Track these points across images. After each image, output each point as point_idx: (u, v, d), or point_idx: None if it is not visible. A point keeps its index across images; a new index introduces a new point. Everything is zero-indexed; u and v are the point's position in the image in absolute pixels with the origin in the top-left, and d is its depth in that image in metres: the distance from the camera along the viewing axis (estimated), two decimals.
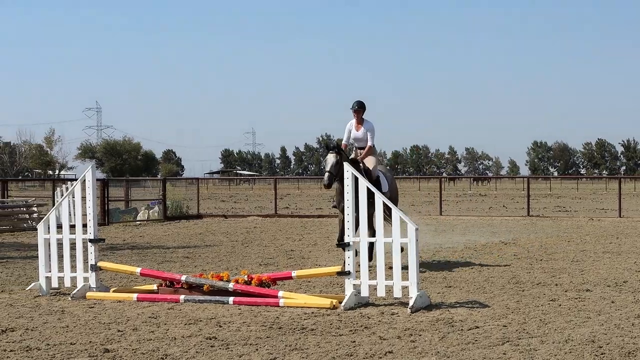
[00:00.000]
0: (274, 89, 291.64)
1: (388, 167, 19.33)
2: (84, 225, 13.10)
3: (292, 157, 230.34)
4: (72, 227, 13.23)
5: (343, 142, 16.79)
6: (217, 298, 12.05)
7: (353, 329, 10.01)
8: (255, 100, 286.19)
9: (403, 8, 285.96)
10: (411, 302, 11.18)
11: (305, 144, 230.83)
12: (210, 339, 9.45)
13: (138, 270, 13.18)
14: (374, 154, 16.82)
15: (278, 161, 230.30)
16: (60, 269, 13.18)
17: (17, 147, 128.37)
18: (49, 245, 13.23)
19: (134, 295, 12.40)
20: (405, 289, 11.48)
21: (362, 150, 16.74)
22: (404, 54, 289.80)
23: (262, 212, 37.88)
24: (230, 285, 12.17)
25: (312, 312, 11.16)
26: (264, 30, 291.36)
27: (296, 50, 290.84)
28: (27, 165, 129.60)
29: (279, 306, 11.60)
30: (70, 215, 13.39)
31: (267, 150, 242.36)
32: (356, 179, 11.82)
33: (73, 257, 13.10)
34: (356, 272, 11.71)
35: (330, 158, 15.74)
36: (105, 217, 31.04)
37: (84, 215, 13.16)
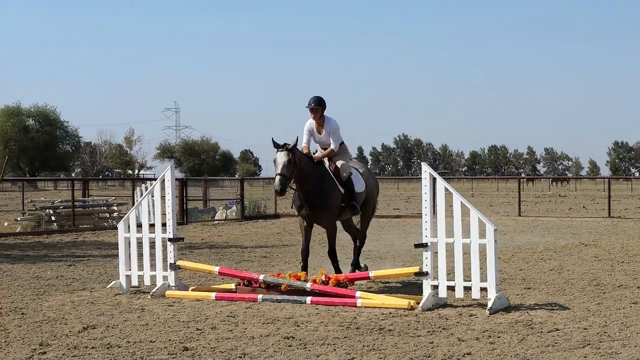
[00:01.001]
0: (349, 88, 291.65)
1: (363, 163, 17.33)
2: (163, 225, 13.23)
3: (369, 158, 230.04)
4: (152, 226, 13.38)
5: (303, 144, 14.28)
6: (295, 298, 12.07)
7: (431, 330, 9.96)
8: (331, 99, 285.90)
9: (486, 7, 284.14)
10: (490, 304, 11.08)
11: (382, 144, 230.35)
12: (288, 339, 9.47)
13: (216, 269, 13.27)
14: (344, 152, 14.52)
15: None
16: (140, 267, 13.33)
17: (98, 147, 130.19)
18: (129, 244, 13.38)
19: (213, 294, 12.48)
20: (483, 290, 11.38)
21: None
22: (482, 55, 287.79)
23: None
24: (308, 285, 12.19)
25: (390, 313, 11.12)
26: (338, 30, 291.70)
27: (373, 50, 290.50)
28: (107, 165, 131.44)
29: (356, 306, 11.59)
30: (149, 214, 13.48)
31: None
32: (434, 180, 11.74)
33: (152, 255, 13.25)
34: (434, 272, 11.64)
35: (281, 157, 13.21)
36: (183, 216, 31.34)
37: (163, 214, 13.29)
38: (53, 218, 28.59)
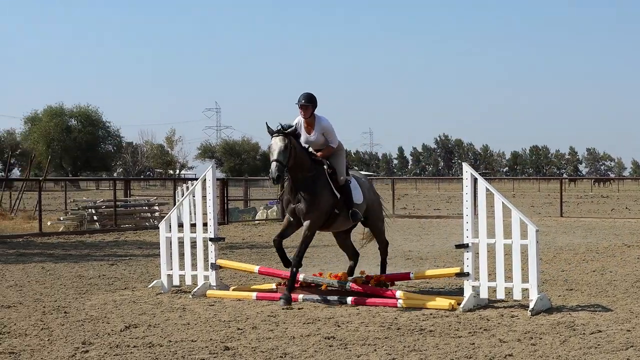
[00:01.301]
0: (391, 89, 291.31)
1: (363, 174, 15.19)
2: (204, 224, 13.28)
3: (410, 158, 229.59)
4: (193, 226, 13.44)
5: None
6: (335, 298, 12.07)
7: (472, 330, 9.92)
8: (372, 100, 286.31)
9: (527, 3, 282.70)
10: (531, 305, 11.02)
11: (423, 144, 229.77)
12: (329, 339, 9.47)
13: (256, 268, 13.31)
14: (341, 151, 13.04)
15: (396, 161, 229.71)
16: (182, 267, 13.39)
17: (139, 147, 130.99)
18: (170, 244, 13.45)
19: (253, 294, 12.51)
20: (525, 291, 11.32)
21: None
22: (523, 54, 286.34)
23: None
24: (348, 285, 12.19)
25: (431, 313, 11.10)
26: (380, 30, 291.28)
27: (413, 49, 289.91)
28: (148, 164, 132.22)
29: (397, 307, 11.57)
30: (190, 214, 13.55)
31: (385, 151, 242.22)
32: (475, 180, 11.69)
33: (193, 255, 13.30)
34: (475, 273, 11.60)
35: (277, 142, 12.06)
36: (224, 216, 31.43)
37: (204, 214, 13.35)
38: (95, 217, 28.79)
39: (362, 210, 13.09)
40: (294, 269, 12.27)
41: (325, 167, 12.67)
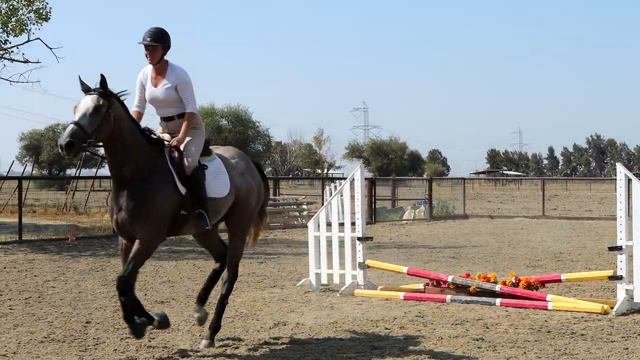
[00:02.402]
0: (541, 89, 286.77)
1: (239, 151, 10.32)
2: (353, 224, 13.33)
3: (560, 158, 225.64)
4: (341, 225, 13.49)
5: (134, 106, 9.29)
6: (484, 299, 11.96)
7: (625, 335, 9.68)
8: (522, 99, 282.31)
9: None
10: None
11: (574, 144, 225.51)
12: (477, 340, 9.39)
13: (405, 269, 13.29)
14: (196, 128, 9.31)
15: (545, 161, 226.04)
16: (330, 265, 13.47)
17: (288, 146, 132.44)
18: (319, 243, 13.55)
19: (401, 294, 12.50)
20: None
21: (173, 125, 9.27)
22: None
23: (528, 213, 37.25)
24: (497, 287, 12.06)
25: (582, 317, 10.87)
26: (531, 29, 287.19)
27: (562, 49, 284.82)
28: (297, 164, 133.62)
29: (547, 309, 11.38)
30: (339, 213, 13.64)
31: (534, 151, 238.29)
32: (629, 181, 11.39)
33: (341, 254, 13.36)
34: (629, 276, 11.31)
35: (87, 102, 8.42)
36: (372, 215, 31.51)
37: (353, 213, 13.39)
38: None
39: (227, 205, 9.54)
40: (122, 297, 8.64)
41: (166, 148, 9.06)
